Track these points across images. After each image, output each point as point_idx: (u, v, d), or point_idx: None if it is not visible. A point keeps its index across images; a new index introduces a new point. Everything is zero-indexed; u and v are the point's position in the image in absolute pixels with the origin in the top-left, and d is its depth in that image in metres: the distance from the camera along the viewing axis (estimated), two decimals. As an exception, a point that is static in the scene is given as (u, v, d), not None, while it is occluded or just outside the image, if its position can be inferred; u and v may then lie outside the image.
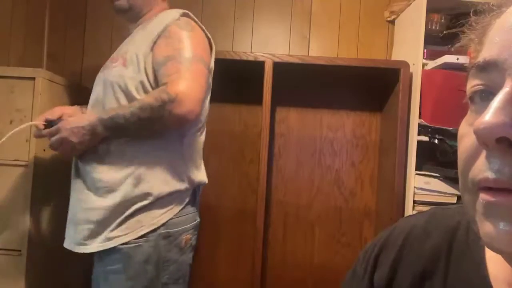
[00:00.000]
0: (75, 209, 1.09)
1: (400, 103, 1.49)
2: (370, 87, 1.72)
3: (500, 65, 0.32)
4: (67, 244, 1.10)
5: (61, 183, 1.36)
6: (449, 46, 1.49)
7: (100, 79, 1.15)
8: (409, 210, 1.44)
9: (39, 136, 1.11)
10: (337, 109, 1.79)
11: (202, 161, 1.21)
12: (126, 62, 1.07)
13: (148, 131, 1.04)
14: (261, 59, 1.52)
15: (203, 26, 1.16)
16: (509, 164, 0.30)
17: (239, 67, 1.57)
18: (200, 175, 1.18)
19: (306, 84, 1.76)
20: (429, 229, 0.47)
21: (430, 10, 1.45)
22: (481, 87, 0.34)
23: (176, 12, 1.13)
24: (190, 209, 1.14)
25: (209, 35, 1.16)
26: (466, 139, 0.35)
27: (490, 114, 0.30)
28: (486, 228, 0.32)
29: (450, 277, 0.43)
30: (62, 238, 1.40)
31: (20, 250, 1.21)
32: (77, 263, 1.47)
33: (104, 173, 1.05)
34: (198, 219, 1.17)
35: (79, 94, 1.48)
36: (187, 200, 1.12)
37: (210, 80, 1.18)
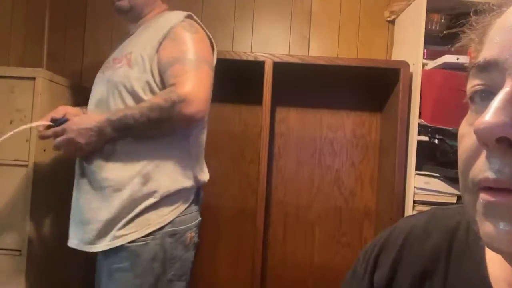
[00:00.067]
0: (82, 209, 1.09)
1: (400, 103, 1.49)
2: (370, 87, 1.71)
3: (500, 65, 0.32)
4: (74, 244, 1.11)
5: (61, 183, 1.36)
6: (449, 46, 1.49)
7: (102, 80, 1.15)
8: (409, 210, 1.44)
9: (44, 137, 1.10)
10: (337, 109, 1.79)
11: (204, 160, 1.23)
12: (131, 62, 1.08)
13: (156, 130, 1.06)
14: (261, 59, 1.52)
15: (205, 28, 1.17)
16: (509, 164, 0.30)
17: (239, 67, 1.57)
18: (204, 173, 1.20)
19: (306, 84, 1.76)
20: (429, 229, 0.47)
21: (430, 10, 1.45)
22: (481, 87, 0.34)
23: (180, 14, 1.14)
24: (194, 207, 1.16)
25: (210, 36, 1.18)
26: (466, 139, 0.35)
27: (490, 114, 0.30)
28: (486, 228, 0.32)
29: (450, 277, 0.43)
30: (62, 238, 1.40)
31: (20, 250, 1.21)
32: (77, 263, 1.47)
33: (110, 172, 1.06)
34: (200, 218, 1.19)
35: (79, 94, 1.48)
36: (192, 198, 1.15)
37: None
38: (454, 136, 1.22)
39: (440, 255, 0.45)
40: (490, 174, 0.31)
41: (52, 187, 1.33)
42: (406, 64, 1.50)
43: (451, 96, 1.32)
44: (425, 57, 1.47)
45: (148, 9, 1.21)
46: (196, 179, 1.15)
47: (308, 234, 1.78)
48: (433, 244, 0.46)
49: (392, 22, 1.78)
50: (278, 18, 1.81)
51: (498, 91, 0.32)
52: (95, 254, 1.13)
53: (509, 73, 0.31)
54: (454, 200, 1.43)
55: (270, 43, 1.80)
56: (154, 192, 1.06)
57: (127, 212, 1.04)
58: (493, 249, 0.33)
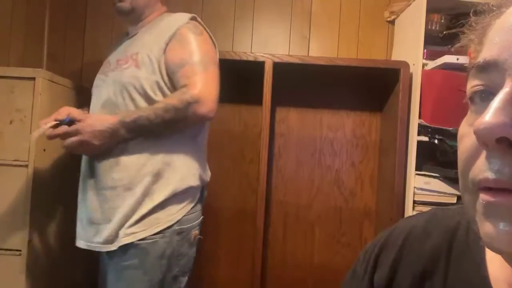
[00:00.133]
0: (91, 209, 1.11)
1: (400, 103, 1.49)
2: (370, 87, 1.72)
3: (500, 65, 0.32)
4: (83, 245, 1.12)
5: (61, 183, 1.36)
6: (449, 46, 1.49)
7: (105, 81, 1.16)
8: (409, 210, 1.44)
9: (52, 136, 1.08)
10: (337, 109, 1.79)
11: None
12: (138, 63, 1.10)
13: (169, 130, 1.09)
14: (261, 59, 1.52)
15: (207, 29, 1.20)
16: (509, 164, 0.30)
17: (239, 67, 1.57)
18: (207, 172, 1.23)
19: (306, 84, 1.76)
20: (429, 229, 0.47)
21: (430, 10, 1.45)
22: (481, 87, 0.34)
23: (185, 16, 1.17)
24: (199, 206, 1.19)
25: (213, 37, 1.20)
26: (466, 139, 0.35)
27: (490, 114, 0.30)
28: (486, 228, 0.32)
29: (450, 277, 0.43)
30: (62, 237, 1.40)
31: (20, 250, 1.21)
32: (77, 263, 1.47)
33: (122, 172, 1.08)
34: (202, 216, 1.22)
35: (79, 94, 1.48)
36: (198, 197, 1.18)
37: None
38: (454, 136, 1.22)
39: (440, 255, 0.45)
40: (490, 174, 0.31)
41: (52, 187, 1.33)
42: (406, 64, 1.50)
43: (451, 96, 1.32)
44: (425, 57, 1.47)
45: (149, 11, 1.22)
46: (201, 178, 1.18)
47: (308, 234, 1.78)
48: (433, 244, 0.46)
49: (392, 22, 1.78)
50: (278, 18, 1.81)
51: (498, 91, 0.32)
52: (97, 253, 1.14)
53: (508, 73, 0.31)
54: (454, 200, 1.43)
55: (270, 43, 1.80)
56: (165, 189, 1.08)
57: (138, 210, 1.07)
58: (493, 249, 0.33)
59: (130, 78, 1.10)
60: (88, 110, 1.26)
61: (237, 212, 1.78)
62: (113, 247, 1.06)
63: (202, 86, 1.06)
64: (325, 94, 1.78)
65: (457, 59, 1.38)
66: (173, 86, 1.11)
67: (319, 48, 1.80)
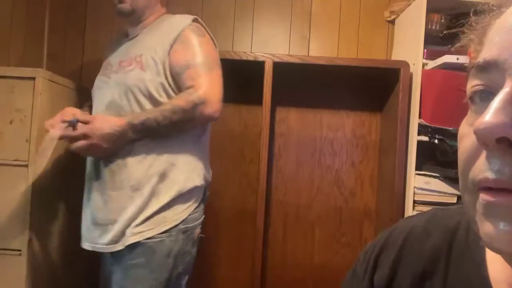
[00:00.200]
0: (96, 210, 1.12)
1: (400, 103, 1.49)
2: (370, 87, 1.71)
3: (500, 65, 0.32)
4: (88, 246, 1.13)
5: (61, 183, 1.36)
6: (449, 46, 1.49)
7: (107, 83, 1.17)
8: (409, 210, 1.44)
9: (64, 137, 1.07)
10: (337, 109, 1.79)
11: None
12: (143, 65, 1.12)
13: (176, 131, 1.11)
14: (261, 59, 1.52)
15: (209, 30, 1.21)
16: (509, 164, 0.30)
17: (239, 67, 1.57)
18: (210, 172, 1.25)
19: (306, 84, 1.76)
20: (429, 229, 0.47)
21: (430, 10, 1.45)
22: (481, 87, 0.34)
23: (187, 18, 1.18)
24: (201, 205, 1.21)
25: (213, 38, 1.22)
26: (466, 139, 0.35)
27: (490, 114, 0.30)
28: (486, 228, 0.32)
29: (450, 277, 0.43)
30: (62, 237, 1.40)
31: (20, 250, 1.21)
32: (77, 263, 1.47)
33: (129, 172, 1.09)
34: (204, 215, 1.23)
35: (79, 94, 1.48)
36: (201, 196, 1.20)
37: None
38: (454, 136, 1.22)
39: (440, 256, 0.45)
40: (490, 174, 0.31)
41: (52, 187, 1.32)
42: (406, 64, 1.50)
43: (451, 96, 1.32)
44: (425, 57, 1.47)
45: (149, 12, 1.23)
46: (205, 178, 1.20)
47: (308, 234, 1.78)
48: (433, 245, 0.46)
49: (392, 22, 1.78)
50: (278, 18, 1.81)
51: (498, 91, 0.32)
52: (99, 253, 1.14)
53: (508, 73, 0.31)
54: (454, 200, 1.43)
55: (270, 43, 1.80)
56: (171, 189, 1.10)
57: (145, 210, 1.08)
58: (493, 249, 0.33)
59: (135, 80, 1.11)
60: (89, 110, 1.26)
61: (237, 212, 1.78)
62: (120, 246, 1.08)
63: (208, 87, 1.08)
64: (325, 94, 1.78)
65: (457, 59, 1.38)
66: (178, 88, 1.13)
67: (319, 48, 1.80)
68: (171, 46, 1.12)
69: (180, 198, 1.12)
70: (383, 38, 1.79)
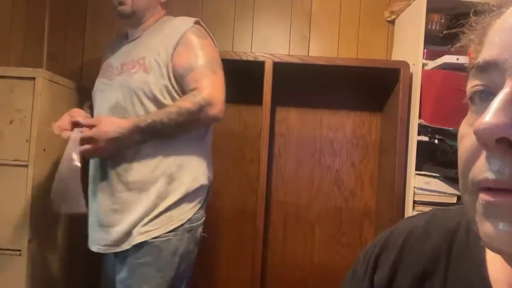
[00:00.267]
0: (102, 212, 1.12)
1: (400, 103, 1.49)
2: (370, 87, 1.71)
3: (500, 65, 0.32)
4: (96, 248, 1.14)
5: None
6: (449, 46, 1.49)
7: (109, 85, 1.17)
8: (409, 210, 1.44)
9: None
10: (337, 109, 1.79)
11: None
12: (146, 68, 1.12)
13: (181, 132, 1.12)
14: (261, 59, 1.52)
15: (209, 32, 1.22)
16: (509, 164, 0.30)
17: (239, 67, 1.56)
18: (212, 172, 1.26)
19: (306, 84, 1.76)
20: (429, 230, 0.47)
21: (430, 10, 1.45)
22: (481, 87, 0.34)
23: (189, 20, 1.19)
24: (204, 205, 1.22)
25: (214, 39, 1.23)
26: (466, 140, 0.35)
27: (490, 114, 0.30)
28: (486, 228, 0.32)
29: (450, 277, 0.43)
30: (62, 237, 1.40)
31: (20, 250, 1.21)
32: (77, 263, 1.47)
33: (136, 174, 1.10)
34: (205, 215, 1.24)
35: (79, 94, 1.48)
36: (205, 196, 1.21)
37: None
38: (454, 136, 1.22)
39: (440, 256, 0.45)
40: (490, 175, 0.31)
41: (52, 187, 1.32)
42: (406, 64, 1.50)
43: (451, 96, 1.32)
44: (425, 57, 1.47)
45: (149, 14, 1.23)
46: (209, 178, 1.22)
47: (308, 234, 1.78)
48: (433, 245, 0.46)
49: (392, 22, 1.78)
50: (278, 18, 1.81)
51: (498, 91, 0.32)
52: (101, 253, 1.15)
53: (508, 73, 0.31)
54: (454, 200, 1.43)
55: (270, 43, 1.80)
56: (178, 190, 1.12)
57: (153, 210, 1.09)
58: (493, 249, 0.33)
59: (139, 83, 1.11)
60: (89, 110, 1.26)
61: (237, 212, 1.78)
62: (127, 246, 1.09)
63: (211, 88, 1.10)
64: (325, 94, 1.78)
65: (457, 59, 1.38)
66: (181, 90, 1.14)
67: (319, 48, 1.80)
68: (174, 49, 1.13)
69: (186, 197, 1.14)
70: (383, 38, 1.79)
